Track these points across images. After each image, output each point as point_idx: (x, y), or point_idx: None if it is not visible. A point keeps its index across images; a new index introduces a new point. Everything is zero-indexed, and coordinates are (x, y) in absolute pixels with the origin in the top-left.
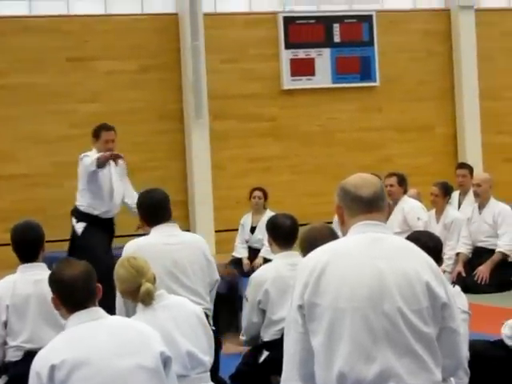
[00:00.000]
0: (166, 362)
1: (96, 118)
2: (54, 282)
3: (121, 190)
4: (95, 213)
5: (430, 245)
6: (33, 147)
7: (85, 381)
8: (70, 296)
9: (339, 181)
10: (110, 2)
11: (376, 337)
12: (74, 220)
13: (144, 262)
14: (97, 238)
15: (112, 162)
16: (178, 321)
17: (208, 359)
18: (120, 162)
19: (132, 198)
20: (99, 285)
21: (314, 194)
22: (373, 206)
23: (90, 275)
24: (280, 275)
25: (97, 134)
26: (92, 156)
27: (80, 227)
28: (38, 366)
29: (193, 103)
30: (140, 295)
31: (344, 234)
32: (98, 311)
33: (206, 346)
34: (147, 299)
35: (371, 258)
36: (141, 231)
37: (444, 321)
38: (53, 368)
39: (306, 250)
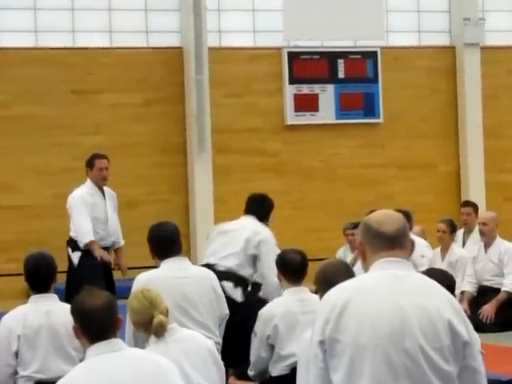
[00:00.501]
0: None
1: (99, 150)
2: (75, 311)
3: (114, 221)
4: None
5: (446, 283)
6: (35, 178)
7: None
8: (91, 326)
9: (340, 216)
10: (114, 34)
11: (397, 374)
12: (69, 250)
13: (157, 295)
14: (93, 268)
15: (105, 194)
16: (189, 354)
17: None
18: (114, 196)
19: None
20: (120, 316)
21: (315, 229)
22: (395, 242)
23: (112, 306)
24: (289, 310)
25: (90, 163)
26: (82, 196)
27: (76, 257)
28: None
29: (196, 137)
30: (153, 327)
31: (366, 270)
32: (118, 343)
33: (217, 380)
34: (160, 331)
35: (393, 294)
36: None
37: (465, 360)
38: None
39: (322, 285)
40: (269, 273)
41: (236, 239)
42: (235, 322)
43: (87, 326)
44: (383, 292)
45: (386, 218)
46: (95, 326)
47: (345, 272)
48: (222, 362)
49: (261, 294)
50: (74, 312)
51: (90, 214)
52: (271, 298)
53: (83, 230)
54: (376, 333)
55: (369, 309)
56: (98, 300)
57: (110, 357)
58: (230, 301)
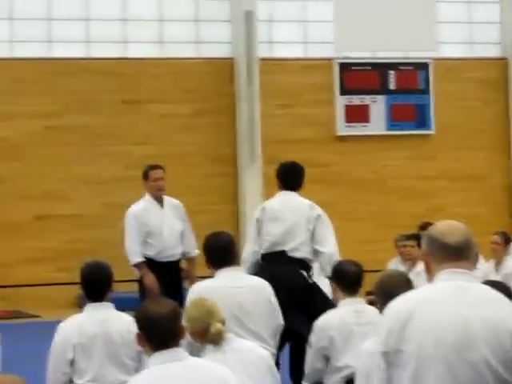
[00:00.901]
0: None
1: (149, 160)
2: (139, 318)
3: (175, 231)
4: (148, 254)
5: (505, 294)
6: (86, 188)
7: None
8: (154, 334)
9: (391, 228)
10: (165, 45)
11: None
12: None
13: (214, 304)
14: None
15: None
16: (246, 364)
17: None
18: (177, 206)
19: (187, 244)
20: (183, 325)
21: (366, 240)
22: (459, 254)
23: (176, 315)
24: (344, 322)
25: (145, 174)
26: (135, 213)
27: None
28: None
29: (246, 147)
30: (210, 335)
31: (429, 281)
32: (180, 352)
33: None
34: (217, 340)
35: (457, 306)
36: None
37: None
38: None
39: (381, 296)
40: (332, 240)
41: (298, 229)
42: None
43: (150, 334)
44: (447, 303)
45: (450, 229)
46: (158, 334)
47: (404, 283)
48: (277, 373)
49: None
50: (137, 319)
51: (144, 229)
52: (329, 271)
53: (130, 251)
54: (440, 344)
55: (433, 320)
56: (162, 308)
57: (171, 366)
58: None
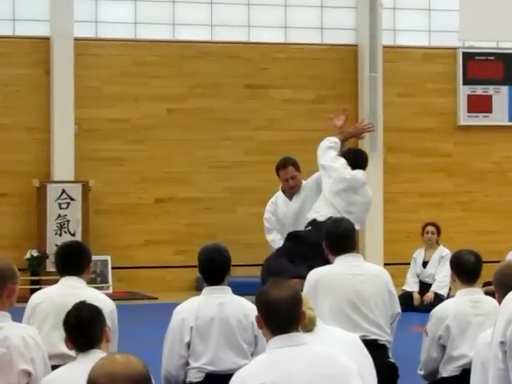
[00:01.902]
0: None
1: (271, 145)
2: (260, 302)
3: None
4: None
5: None
6: (207, 172)
7: None
8: (274, 318)
9: (511, 220)
10: (290, 30)
11: None
12: None
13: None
14: None
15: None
16: (341, 344)
17: None
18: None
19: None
20: (305, 310)
21: (485, 232)
22: None
23: (297, 300)
24: (462, 311)
25: (277, 173)
26: (276, 204)
27: None
28: None
29: (368, 135)
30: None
31: None
32: (299, 337)
33: (369, 372)
34: (310, 326)
35: None
36: None
37: None
38: None
39: (500, 287)
40: None
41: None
42: None
43: (270, 318)
44: None
45: None
46: (278, 318)
47: None
48: (369, 356)
49: None
50: (258, 302)
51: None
52: None
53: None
54: None
55: None
56: (283, 292)
57: (290, 351)
58: None
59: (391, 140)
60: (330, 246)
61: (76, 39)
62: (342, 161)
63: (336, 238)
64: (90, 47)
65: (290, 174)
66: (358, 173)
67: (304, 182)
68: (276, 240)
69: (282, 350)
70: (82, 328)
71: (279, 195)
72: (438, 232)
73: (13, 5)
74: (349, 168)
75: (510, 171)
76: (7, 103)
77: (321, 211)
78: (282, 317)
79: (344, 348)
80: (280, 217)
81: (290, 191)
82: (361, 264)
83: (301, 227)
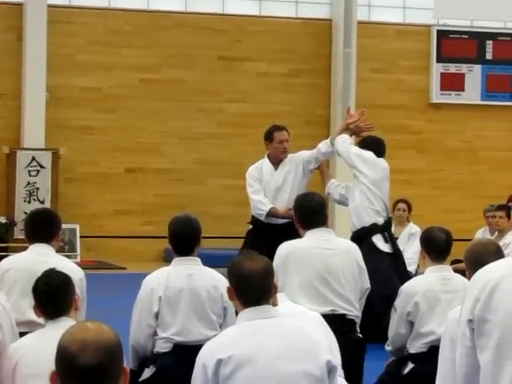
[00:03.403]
0: (330, 370)
1: (243, 118)
2: (232, 272)
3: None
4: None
5: None
6: (179, 143)
7: (248, 380)
8: (246, 289)
9: (481, 198)
10: (264, 3)
11: None
12: None
13: None
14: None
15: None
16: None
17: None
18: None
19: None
20: (276, 284)
21: (454, 210)
22: None
23: (269, 272)
24: (431, 288)
25: (269, 136)
26: (261, 169)
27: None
28: (205, 357)
29: (340, 110)
30: None
31: None
32: (270, 309)
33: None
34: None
35: None
36: None
37: None
38: (219, 362)
39: (471, 264)
40: None
41: None
42: None
43: (242, 289)
44: None
45: None
46: (250, 290)
47: (495, 253)
48: (333, 334)
49: None
50: (230, 273)
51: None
52: None
53: (258, 203)
54: None
55: None
56: (255, 264)
57: (260, 323)
58: None
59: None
60: (301, 220)
61: (50, 6)
62: (370, 153)
63: (307, 212)
64: (63, 15)
65: (285, 136)
66: (384, 161)
67: (290, 155)
68: (265, 202)
69: (252, 323)
70: (52, 295)
71: (264, 162)
72: (409, 209)
73: None
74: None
75: (480, 150)
76: None
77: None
78: (254, 288)
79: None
80: (263, 185)
81: (281, 155)
82: (331, 238)
83: (279, 203)
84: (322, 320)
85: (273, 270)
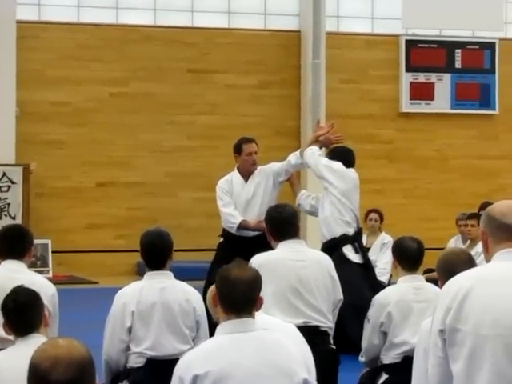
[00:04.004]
0: None
1: (213, 130)
2: (219, 276)
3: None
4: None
5: None
6: (149, 156)
7: None
8: (229, 295)
9: (452, 207)
10: (233, 15)
11: None
12: None
13: None
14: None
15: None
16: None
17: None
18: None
19: None
20: (261, 297)
21: (426, 218)
22: None
23: (256, 283)
24: (403, 298)
25: (238, 148)
26: (231, 182)
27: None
28: (182, 370)
29: (310, 121)
30: None
31: (487, 260)
32: (250, 323)
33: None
34: None
35: None
36: None
37: None
38: (196, 378)
39: (443, 274)
40: None
41: None
42: None
43: (226, 295)
44: (505, 283)
45: (510, 208)
46: (233, 296)
47: (467, 262)
48: (308, 346)
49: None
50: (217, 277)
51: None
52: None
53: (229, 216)
54: (498, 323)
55: (491, 299)
56: (243, 272)
57: (239, 337)
58: None
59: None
60: (273, 232)
61: (19, 22)
62: (339, 164)
63: (279, 223)
64: (32, 30)
65: (254, 148)
66: (353, 171)
67: (260, 167)
68: (236, 215)
69: (231, 336)
70: (21, 312)
71: (234, 174)
72: (381, 219)
73: None
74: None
75: (451, 158)
76: None
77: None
78: (238, 296)
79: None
80: (233, 197)
81: (251, 168)
82: (303, 250)
83: (250, 215)
84: (297, 332)
85: (260, 283)
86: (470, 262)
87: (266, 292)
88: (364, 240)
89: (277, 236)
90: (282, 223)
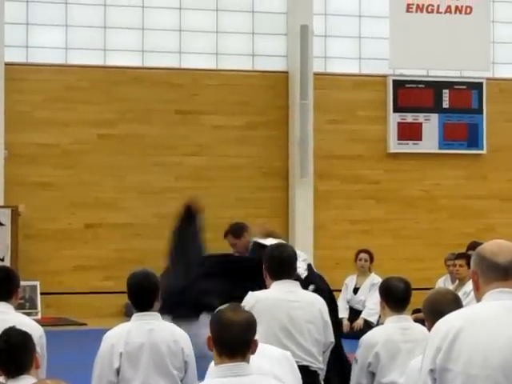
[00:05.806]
0: None
1: (201, 171)
2: (213, 319)
3: None
4: None
5: None
6: (137, 197)
7: None
8: (222, 338)
9: (441, 247)
10: (220, 57)
11: None
12: None
13: None
14: None
15: None
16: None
17: None
18: None
19: None
20: (256, 340)
21: (414, 259)
22: (509, 273)
23: (250, 326)
24: (391, 339)
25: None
26: None
27: None
28: None
29: (298, 162)
30: None
31: (478, 300)
32: (244, 367)
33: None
34: None
35: (506, 326)
36: None
37: None
38: None
39: (430, 314)
40: None
41: None
42: None
43: (219, 338)
44: (495, 323)
45: (500, 248)
46: (227, 339)
47: (453, 302)
48: (299, 373)
49: None
50: (211, 320)
51: None
52: None
53: None
54: (487, 364)
55: (481, 339)
56: (237, 316)
57: (231, 382)
58: None
59: (321, 167)
60: (270, 270)
61: (7, 64)
62: None
63: (277, 262)
64: (20, 72)
65: (229, 241)
66: None
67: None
68: None
69: (223, 380)
70: (12, 353)
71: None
72: (371, 259)
73: None
74: None
75: (439, 198)
76: None
77: None
78: (231, 339)
79: (276, 363)
80: None
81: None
82: (297, 291)
83: None
84: (290, 357)
85: (255, 326)
86: (456, 302)
87: (257, 330)
88: (354, 280)
89: (274, 275)
90: (281, 263)
